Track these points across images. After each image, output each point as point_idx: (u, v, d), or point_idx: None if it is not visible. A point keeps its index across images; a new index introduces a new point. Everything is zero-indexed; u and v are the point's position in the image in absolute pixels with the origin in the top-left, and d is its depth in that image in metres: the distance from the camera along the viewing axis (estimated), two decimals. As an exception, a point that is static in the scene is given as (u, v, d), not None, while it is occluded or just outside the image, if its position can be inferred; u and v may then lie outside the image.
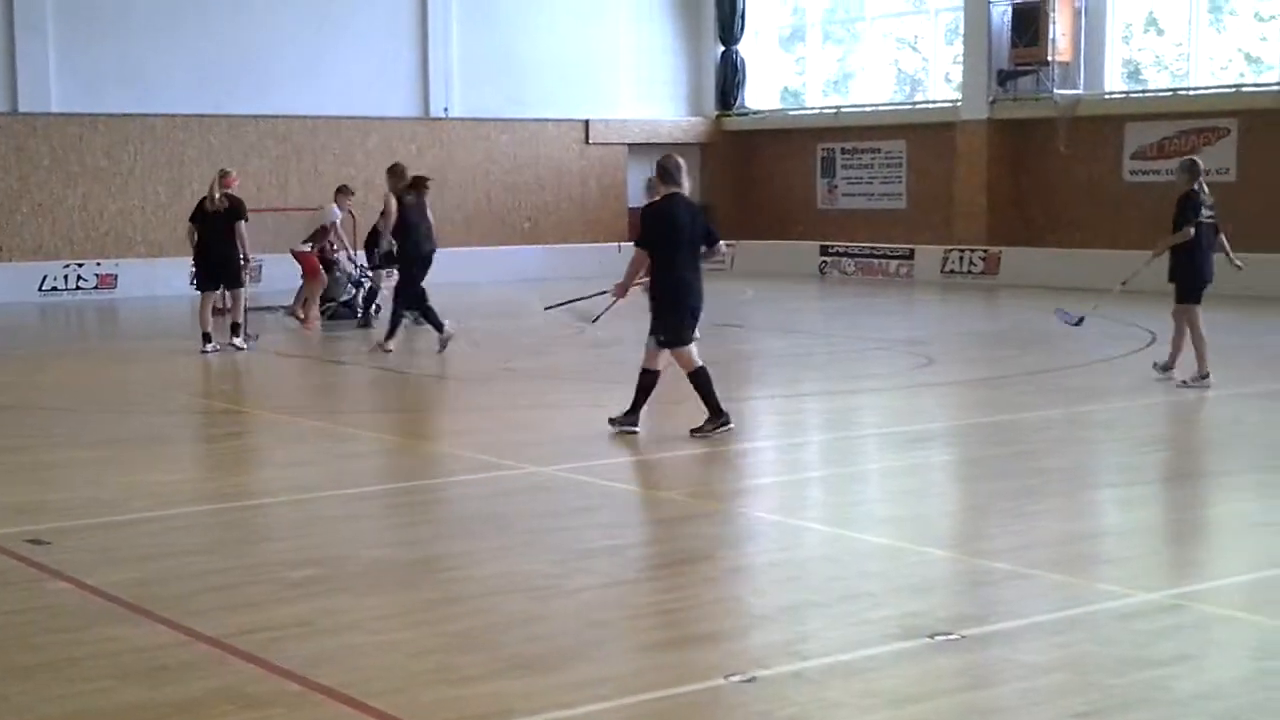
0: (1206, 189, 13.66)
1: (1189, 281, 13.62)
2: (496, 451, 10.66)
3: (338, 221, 19.84)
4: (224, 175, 17.22)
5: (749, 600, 6.93)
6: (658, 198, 10.82)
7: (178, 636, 6.24)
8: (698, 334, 11.13)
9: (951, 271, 26.87)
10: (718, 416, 10.78)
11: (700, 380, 10.78)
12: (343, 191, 20.17)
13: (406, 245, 16.50)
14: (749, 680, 5.64)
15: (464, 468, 10.20)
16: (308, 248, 19.66)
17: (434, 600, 6.83)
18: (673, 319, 10.76)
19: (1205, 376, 13.17)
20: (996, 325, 19.93)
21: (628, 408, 10.86)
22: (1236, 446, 10.85)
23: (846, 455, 10.93)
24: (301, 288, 19.74)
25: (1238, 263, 13.92)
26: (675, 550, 7.90)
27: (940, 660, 5.90)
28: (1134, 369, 14.95)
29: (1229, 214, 23.32)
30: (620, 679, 5.72)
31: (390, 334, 16.42)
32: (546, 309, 12.46)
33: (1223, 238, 14.01)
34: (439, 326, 16.35)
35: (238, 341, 16.92)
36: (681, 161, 10.90)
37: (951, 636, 6.11)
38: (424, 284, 16.57)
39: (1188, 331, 13.59)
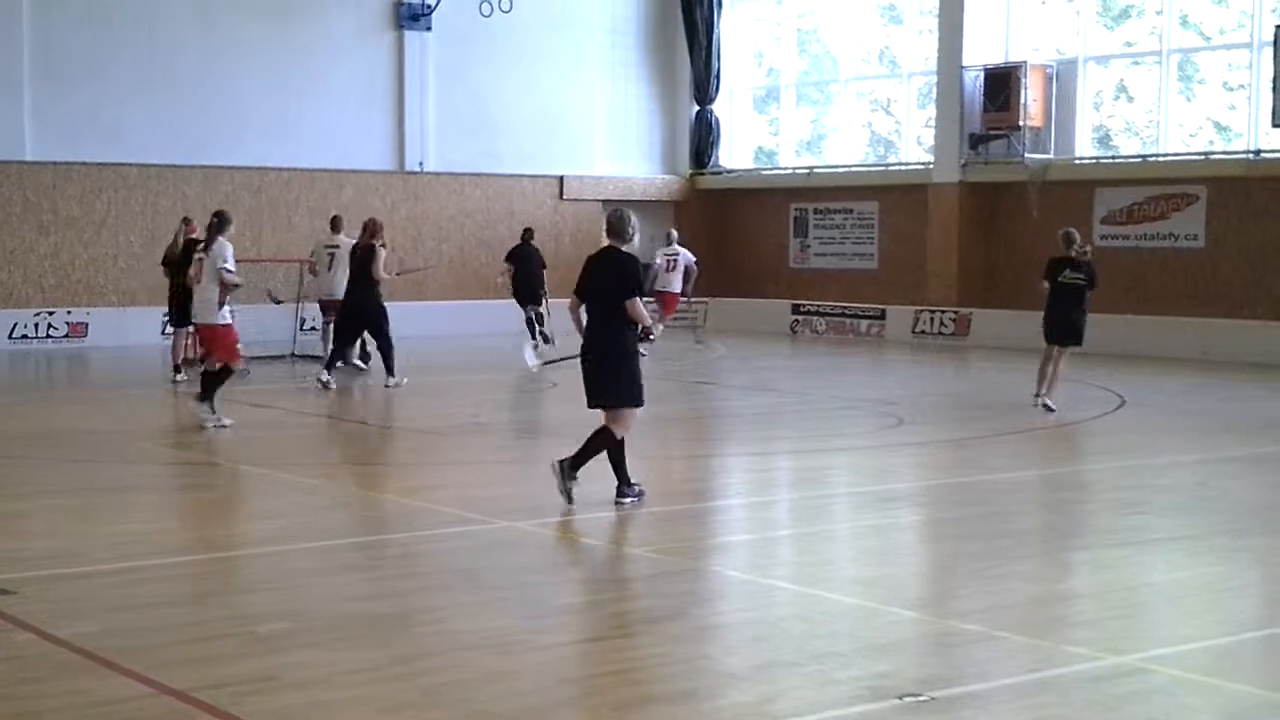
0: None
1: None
2: (468, 506, 10.64)
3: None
4: (187, 223, 18.90)
5: (719, 659, 6.91)
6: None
7: (144, 689, 6.19)
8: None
9: (922, 332, 27.01)
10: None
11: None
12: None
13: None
14: (719, 740, 5.62)
15: (435, 522, 10.17)
16: None
17: (403, 655, 6.80)
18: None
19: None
20: (966, 386, 20.02)
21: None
22: (1203, 510, 10.90)
23: (817, 514, 10.94)
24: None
25: None
26: (646, 608, 7.88)
27: (910, 722, 5.90)
28: (1104, 432, 15.03)
29: (1198, 280, 23.69)
30: (590, 737, 5.69)
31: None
32: (545, 364, 12.32)
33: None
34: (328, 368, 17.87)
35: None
36: (621, 214, 10.51)
37: (921, 698, 6.11)
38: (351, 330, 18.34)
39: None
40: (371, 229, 18.26)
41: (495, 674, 6.51)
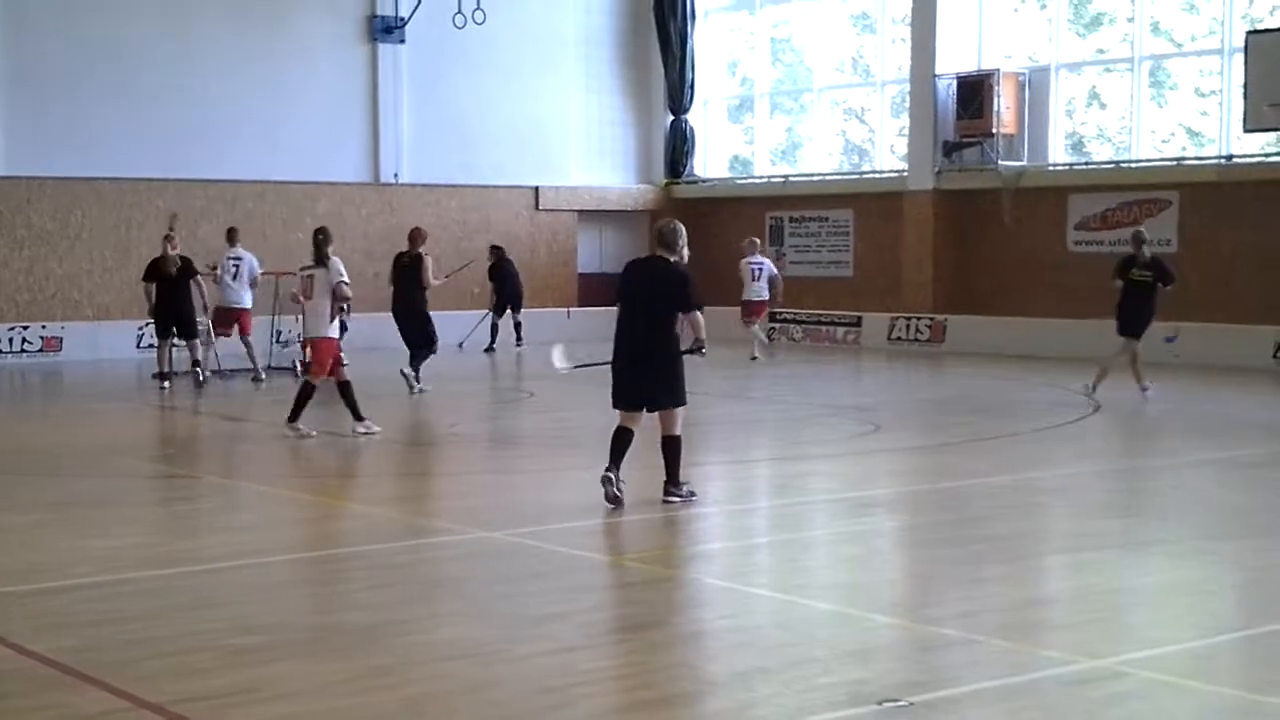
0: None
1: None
2: (445, 516, 10.64)
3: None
4: (169, 238, 19.80)
5: (698, 666, 6.93)
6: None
7: (121, 703, 6.18)
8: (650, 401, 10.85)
9: (898, 339, 27.08)
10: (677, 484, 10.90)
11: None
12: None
13: None
14: (699, 747, 5.63)
15: (412, 533, 10.16)
16: None
17: (382, 667, 6.79)
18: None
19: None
20: (943, 392, 20.08)
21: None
22: (1179, 514, 10.96)
23: (795, 521, 10.96)
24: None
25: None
26: (625, 616, 7.89)
27: (889, 726, 5.92)
28: (1081, 437, 15.09)
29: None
30: (570, 746, 5.70)
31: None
32: (576, 367, 12.36)
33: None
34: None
35: (198, 373, 19.48)
36: (674, 227, 10.90)
37: (899, 703, 6.13)
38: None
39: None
40: (415, 238, 18.82)
41: (475, 684, 6.51)
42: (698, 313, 10.79)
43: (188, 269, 19.82)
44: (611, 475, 10.55)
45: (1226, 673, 6.92)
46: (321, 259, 14.65)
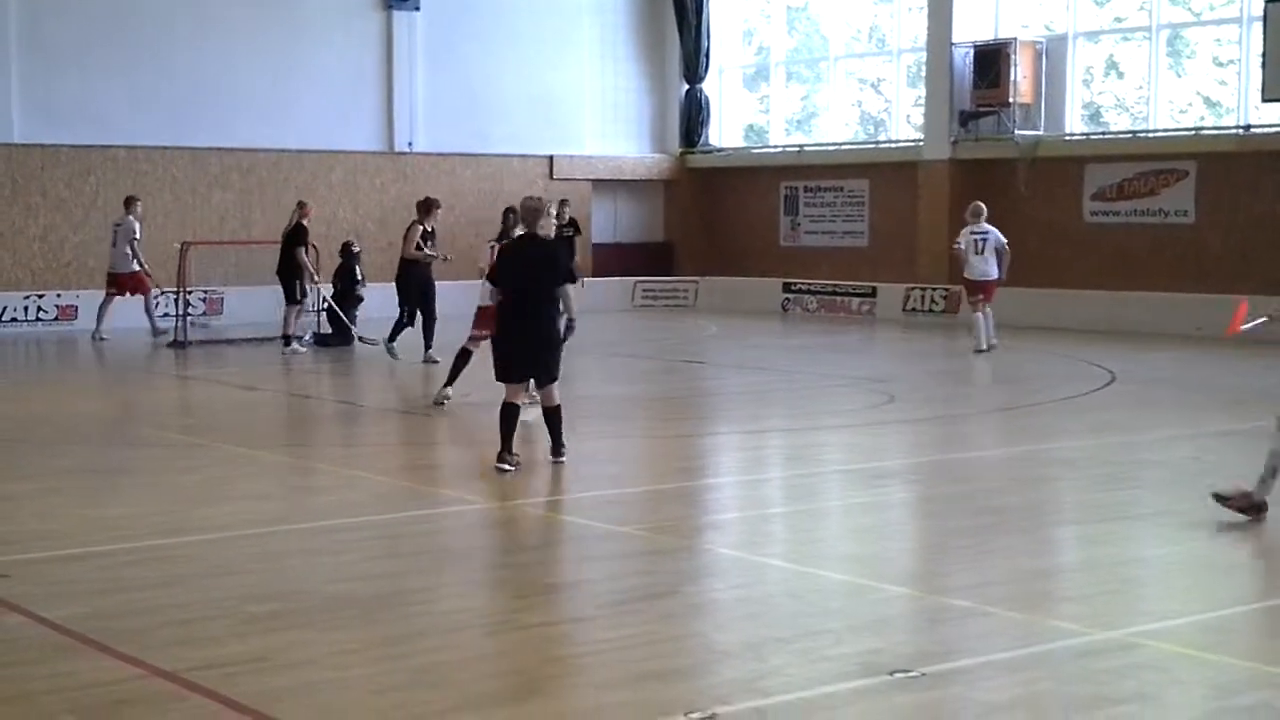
0: None
1: None
2: (457, 486, 10.64)
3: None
4: (301, 205, 21.09)
5: (710, 636, 6.92)
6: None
7: (134, 671, 6.19)
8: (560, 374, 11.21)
9: (913, 309, 27.01)
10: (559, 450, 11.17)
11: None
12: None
13: None
14: (709, 717, 5.63)
15: (424, 502, 10.17)
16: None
17: (394, 636, 6.80)
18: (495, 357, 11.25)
19: None
20: (957, 364, 20.02)
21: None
22: (1193, 486, 10.90)
23: (808, 492, 10.94)
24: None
25: None
26: (636, 586, 7.89)
27: (900, 697, 5.91)
28: (1093, 407, 15.04)
29: (1187, 255, 23.70)
30: (579, 715, 5.70)
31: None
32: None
33: None
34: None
35: (294, 347, 20.01)
36: (538, 204, 11.18)
37: (911, 674, 6.12)
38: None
39: None
40: (422, 207, 18.90)
41: (485, 654, 6.51)
42: (568, 287, 11.11)
43: (294, 237, 20.62)
44: (509, 460, 10.79)
45: (1239, 644, 6.89)
46: (506, 236, 14.92)
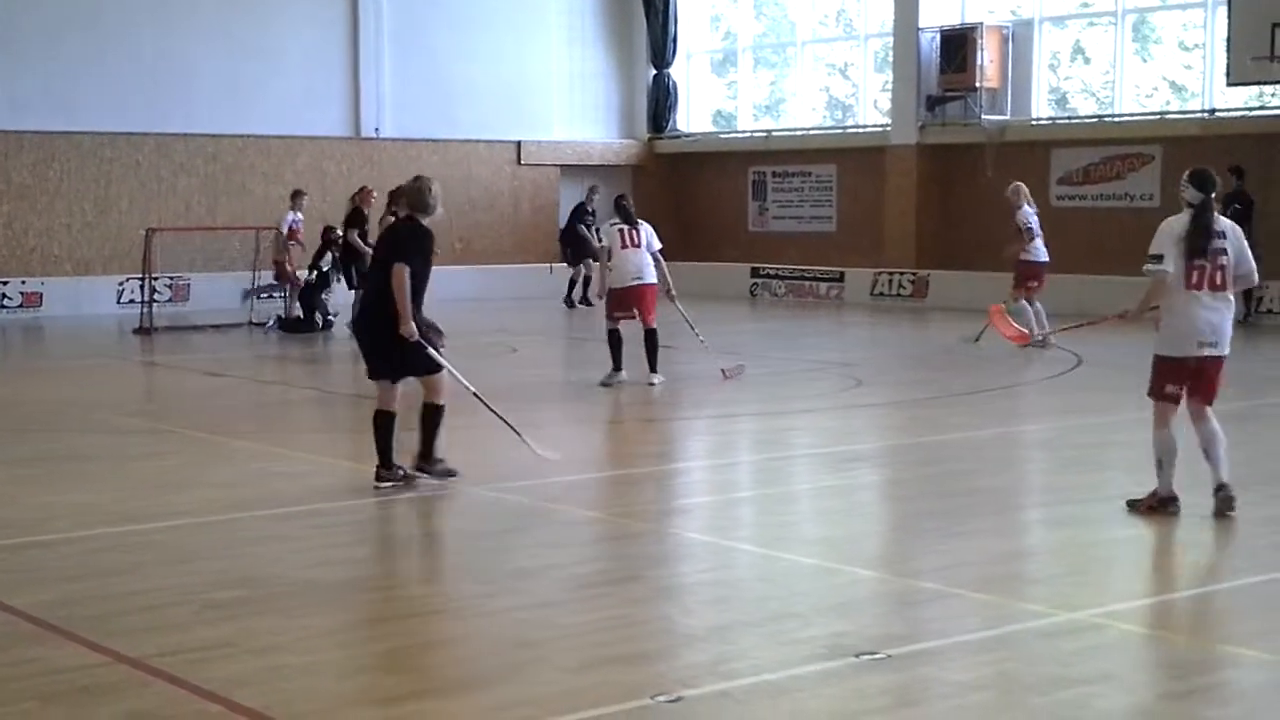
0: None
1: None
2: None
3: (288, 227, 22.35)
4: (363, 189, 21.16)
5: (677, 620, 6.92)
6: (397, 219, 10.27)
7: (100, 658, 6.16)
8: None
9: (881, 294, 27.06)
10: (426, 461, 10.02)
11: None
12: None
13: None
14: (675, 700, 5.63)
15: (392, 488, 10.13)
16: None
17: (360, 621, 6.78)
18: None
19: None
20: (925, 348, 20.08)
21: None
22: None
23: (776, 476, 10.96)
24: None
25: None
26: (604, 570, 7.89)
27: (867, 679, 5.92)
28: (1062, 391, 15.09)
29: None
30: (547, 699, 5.70)
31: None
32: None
33: None
34: None
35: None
36: (423, 185, 10.43)
37: (878, 656, 6.14)
38: None
39: None
40: (389, 198, 18.12)
41: (451, 638, 6.50)
42: (403, 269, 9.79)
43: (347, 219, 20.71)
44: (388, 476, 9.87)
45: (1204, 625, 6.95)
46: (631, 219, 15.43)
